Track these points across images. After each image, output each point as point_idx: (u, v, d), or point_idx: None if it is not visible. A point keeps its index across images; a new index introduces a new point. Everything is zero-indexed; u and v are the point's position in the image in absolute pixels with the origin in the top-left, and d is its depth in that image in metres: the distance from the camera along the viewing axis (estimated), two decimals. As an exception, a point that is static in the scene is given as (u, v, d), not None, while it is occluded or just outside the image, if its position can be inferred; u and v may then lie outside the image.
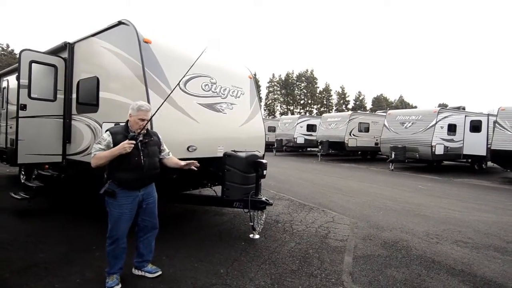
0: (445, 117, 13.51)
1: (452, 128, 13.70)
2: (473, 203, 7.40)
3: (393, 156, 13.63)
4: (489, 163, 14.31)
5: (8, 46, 47.28)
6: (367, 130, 18.65)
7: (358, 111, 26.30)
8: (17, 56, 5.05)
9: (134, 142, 2.75)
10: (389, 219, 5.64)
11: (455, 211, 6.46)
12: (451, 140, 13.67)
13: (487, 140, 13.23)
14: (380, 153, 17.58)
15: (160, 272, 3.18)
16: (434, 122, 13.09)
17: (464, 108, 15.82)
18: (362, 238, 4.55)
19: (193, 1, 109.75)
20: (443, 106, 21.71)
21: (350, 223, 5.30)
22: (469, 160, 15.23)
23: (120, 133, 2.88)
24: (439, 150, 13.12)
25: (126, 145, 2.70)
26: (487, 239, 4.72)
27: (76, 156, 5.02)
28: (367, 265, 3.59)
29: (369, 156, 20.42)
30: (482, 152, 13.58)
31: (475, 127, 13.91)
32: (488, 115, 13.94)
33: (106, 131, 2.93)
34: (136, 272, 3.18)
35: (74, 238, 4.13)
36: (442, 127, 13.29)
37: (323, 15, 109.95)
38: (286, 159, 18.96)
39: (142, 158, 2.87)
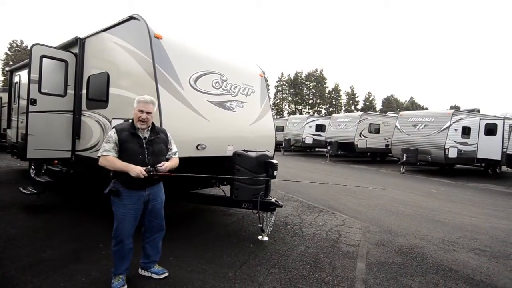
0: (459, 119, 13.17)
1: (466, 131, 13.35)
2: (489, 209, 7.15)
3: (404, 159, 13.34)
4: (504, 168, 13.92)
5: (22, 42, 48.24)
6: (377, 131, 18.32)
7: (369, 112, 25.90)
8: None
9: (146, 174, 2.66)
10: (402, 224, 5.46)
11: (471, 217, 6.24)
12: (465, 143, 13.32)
13: (503, 144, 12.85)
14: (390, 155, 17.26)
15: (167, 274, 3.10)
16: (448, 124, 12.76)
17: (478, 111, 15.38)
18: (375, 243, 4.39)
19: (197, 0, 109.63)
20: (455, 108, 21.22)
21: (361, 227, 5.14)
22: (483, 164, 14.84)
23: (125, 130, 2.80)
24: (453, 153, 12.79)
25: (138, 171, 2.62)
26: (506, 247, 4.52)
27: (85, 152, 4.99)
28: (381, 273, 3.44)
29: (378, 158, 20.08)
30: (497, 156, 13.18)
31: (490, 130, 13.52)
32: (504, 118, 13.52)
33: (113, 128, 2.86)
34: (143, 272, 3.10)
35: (81, 235, 4.09)
36: (456, 130, 12.95)
37: (333, 14, 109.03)
38: (294, 159, 18.78)
39: (146, 156, 2.79)
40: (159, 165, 2.77)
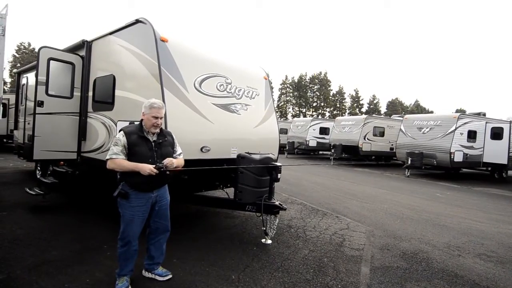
0: (465, 123, 13.04)
1: (472, 135, 13.21)
2: (496, 214, 7.06)
3: (409, 162, 13.23)
4: (510, 172, 13.75)
5: (29, 44, 48.87)
6: (382, 134, 18.22)
7: (373, 115, 25.75)
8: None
9: (157, 171, 2.68)
10: (407, 228, 5.41)
11: (477, 222, 6.16)
12: (471, 147, 13.18)
13: (509, 148, 12.72)
14: (394, 158, 17.14)
15: (170, 276, 3.10)
16: (453, 128, 12.64)
17: (484, 114, 15.23)
18: (379, 248, 4.36)
19: (201, 2, 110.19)
20: (461, 112, 21.03)
21: (366, 231, 5.10)
22: (489, 168, 14.68)
23: (134, 133, 2.82)
24: (458, 157, 12.66)
25: (148, 170, 2.64)
26: (513, 253, 4.46)
27: (91, 153, 5.03)
28: (385, 278, 3.41)
29: (383, 161, 19.95)
30: (503, 160, 13.04)
31: (496, 134, 13.37)
32: (511, 122, 13.36)
33: (120, 130, 2.87)
34: (146, 274, 3.11)
35: (86, 236, 4.12)
36: (461, 134, 12.83)
37: (337, 17, 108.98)
38: (298, 162, 18.73)
39: (156, 159, 2.81)
40: (165, 161, 2.77)
